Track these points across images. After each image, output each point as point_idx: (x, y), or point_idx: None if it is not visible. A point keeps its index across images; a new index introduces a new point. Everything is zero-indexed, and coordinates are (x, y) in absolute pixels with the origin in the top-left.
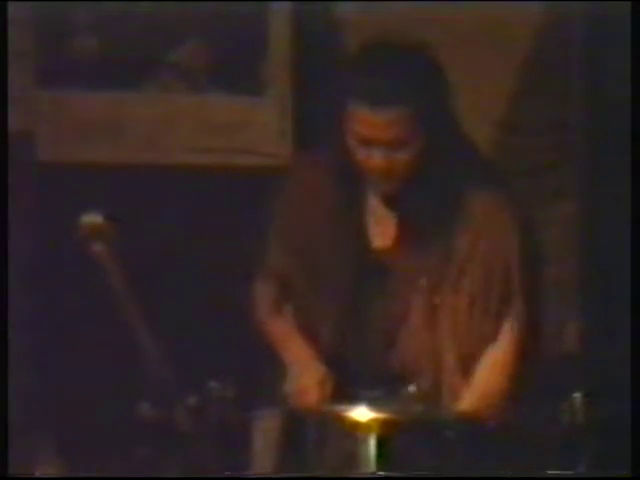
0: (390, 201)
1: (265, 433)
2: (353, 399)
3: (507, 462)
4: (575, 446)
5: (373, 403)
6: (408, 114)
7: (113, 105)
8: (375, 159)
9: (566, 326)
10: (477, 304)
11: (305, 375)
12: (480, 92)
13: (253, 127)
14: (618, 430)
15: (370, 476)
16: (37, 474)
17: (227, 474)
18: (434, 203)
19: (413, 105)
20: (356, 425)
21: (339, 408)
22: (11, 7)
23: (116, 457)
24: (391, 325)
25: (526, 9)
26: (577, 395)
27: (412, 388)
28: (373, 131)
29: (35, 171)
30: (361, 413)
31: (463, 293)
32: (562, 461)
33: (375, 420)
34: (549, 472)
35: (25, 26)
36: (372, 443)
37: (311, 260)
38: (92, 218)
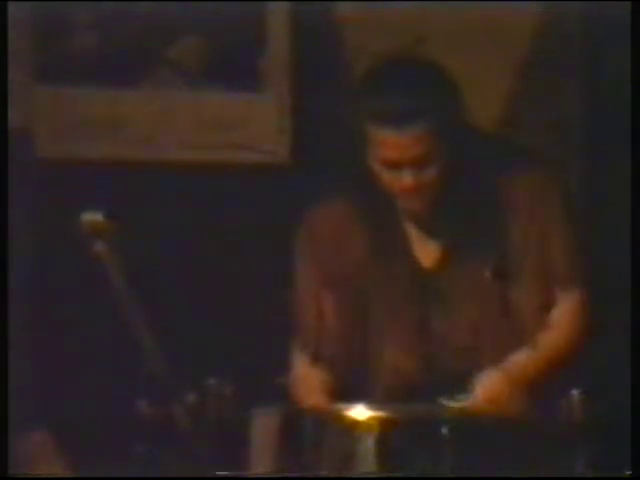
0: (423, 220)
1: (263, 431)
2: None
3: (506, 460)
4: (573, 443)
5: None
6: (430, 130)
7: (111, 102)
8: (404, 180)
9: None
10: (540, 291)
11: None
12: (479, 91)
13: (251, 124)
14: (616, 427)
15: (370, 476)
16: (39, 473)
17: (219, 474)
18: (473, 208)
19: (433, 120)
20: (355, 423)
21: (338, 407)
22: (10, 5)
23: (114, 454)
24: (461, 339)
25: (525, 8)
26: (575, 392)
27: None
28: (399, 152)
29: (34, 168)
30: (360, 412)
31: (527, 281)
32: (560, 458)
33: (374, 419)
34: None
35: (23, 24)
36: (371, 441)
37: (356, 299)
38: (92, 216)
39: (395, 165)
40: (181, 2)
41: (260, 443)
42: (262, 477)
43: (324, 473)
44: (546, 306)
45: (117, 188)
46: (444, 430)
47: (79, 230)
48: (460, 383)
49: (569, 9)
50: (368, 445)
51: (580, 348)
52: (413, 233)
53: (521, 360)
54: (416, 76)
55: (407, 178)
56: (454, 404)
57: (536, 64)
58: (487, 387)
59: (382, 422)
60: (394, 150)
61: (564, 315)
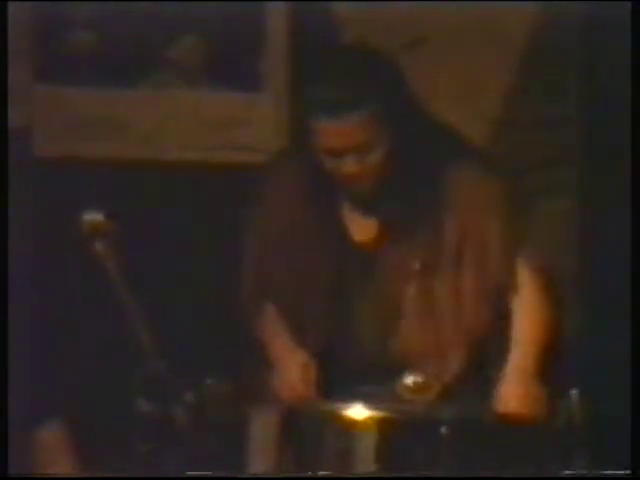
0: (366, 202)
1: (262, 430)
2: (348, 395)
3: (505, 460)
4: (572, 443)
5: (369, 398)
6: (370, 117)
7: (111, 102)
8: (346, 166)
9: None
10: (480, 280)
11: (287, 368)
12: (478, 89)
13: (250, 124)
14: (616, 427)
15: (370, 476)
16: (39, 473)
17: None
18: (413, 193)
19: (373, 108)
20: (353, 423)
21: (336, 406)
22: (10, 5)
23: (113, 453)
24: (386, 315)
25: (525, 7)
26: (574, 392)
27: (410, 379)
28: (339, 140)
29: (33, 168)
30: (358, 411)
31: (462, 272)
32: (559, 458)
33: (372, 418)
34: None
35: (23, 23)
36: (369, 441)
37: (293, 259)
38: (93, 216)
39: (337, 153)
40: (181, 2)
41: (259, 442)
42: (262, 477)
43: (323, 472)
44: (483, 306)
45: (117, 188)
46: (443, 429)
47: (79, 230)
48: (386, 364)
49: (568, 8)
50: (366, 444)
51: (559, 332)
52: (356, 213)
53: (521, 361)
54: (354, 64)
55: (349, 165)
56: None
57: (534, 61)
58: (514, 401)
59: (380, 421)
60: (334, 139)
61: (525, 309)
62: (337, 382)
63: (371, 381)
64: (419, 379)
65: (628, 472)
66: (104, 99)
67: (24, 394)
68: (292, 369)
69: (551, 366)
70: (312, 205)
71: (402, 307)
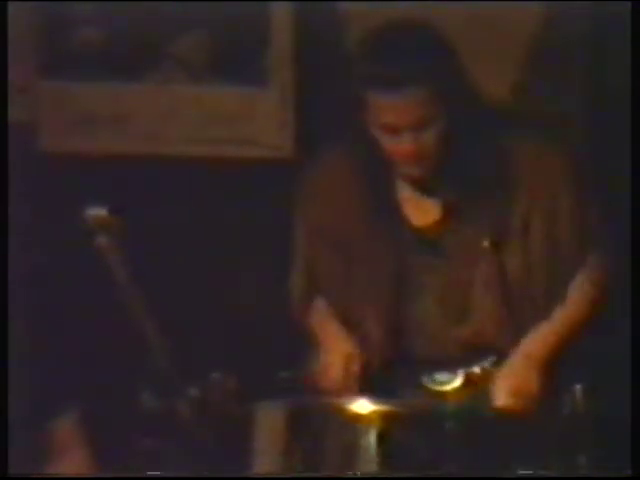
0: (425, 185)
1: (267, 425)
2: (419, 385)
3: (508, 454)
4: (576, 438)
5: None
6: (427, 93)
7: (115, 96)
8: (404, 144)
9: None
10: (549, 256)
11: (332, 352)
12: (485, 83)
13: (255, 118)
14: (619, 422)
15: (370, 476)
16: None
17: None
18: (474, 173)
19: (430, 84)
20: (358, 417)
21: (341, 400)
22: (14, 2)
23: (118, 448)
24: (455, 302)
25: (529, 5)
26: (578, 387)
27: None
28: (397, 116)
29: (38, 163)
30: (362, 405)
31: (531, 248)
32: (563, 453)
33: (376, 412)
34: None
35: (27, 19)
36: (373, 435)
37: (347, 249)
38: (97, 211)
39: (394, 130)
40: None
41: (263, 437)
42: (262, 477)
43: (327, 467)
44: (551, 280)
45: (120, 183)
46: (447, 424)
47: (83, 225)
48: (443, 358)
49: (572, 7)
50: (371, 439)
51: (591, 323)
52: (409, 195)
53: (540, 339)
54: (413, 40)
55: (406, 142)
56: (435, 387)
57: (539, 60)
58: (512, 380)
59: (385, 416)
60: (392, 114)
61: (578, 291)
62: (400, 375)
63: (438, 370)
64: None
65: (629, 473)
66: (109, 95)
67: (27, 391)
68: (336, 359)
69: (558, 358)
70: (369, 190)
71: (472, 291)
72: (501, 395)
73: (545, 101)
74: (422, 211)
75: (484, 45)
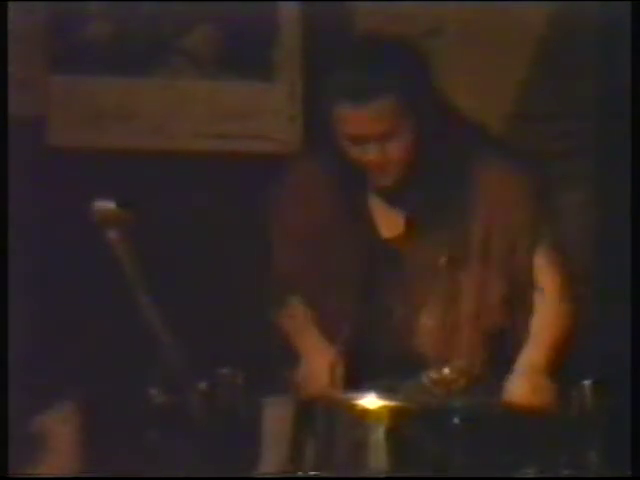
0: (391, 194)
1: (275, 420)
2: (371, 389)
3: (517, 450)
4: (584, 434)
5: (390, 391)
6: (393, 105)
7: (124, 91)
8: (369, 155)
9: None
10: (505, 274)
11: (315, 360)
12: (493, 80)
13: (263, 113)
14: (627, 418)
15: (370, 476)
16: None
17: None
18: (438, 186)
19: (397, 96)
20: (366, 413)
21: (349, 396)
22: None
23: (128, 441)
24: (411, 310)
25: (538, 4)
26: (587, 383)
27: (437, 373)
28: (361, 128)
29: (48, 157)
30: (371, 401)
31: (488, 266)
32: (571, 448)
33: (384, 408)
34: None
35: (37, 12)
36: (381, 431)
37: (319, 256)
38: (105, 205)
39: (359, 140)
40: None
41: (272, 432)
42: (263, 477)
43: (335, 462)
44: (507, 300)
45: (130, 177)
46: (455, 420)
47: (92, 218)
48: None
49: (581, 7)
50: (379, 434)
51: (574, 332)
52: (382, 206)
53: (533, 356)
54: (381, 53)
55: (372, 153)
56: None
57: (549, 52)
58: (519, 394)
59: (393, 411)
60: (356, 126)
61: (543, 305)
62: (366, 378)
63: (394, 376)
64: (447, 372)
65: (629, 474)
66: (119, 89)
67: (33, 383)
68: (319, 365)
69: (564, 358)
70: (340, 200)
71: (427, 304)
72: (514, 395)
73: (556, 97)
74: (389, 222)
75: (495, 41)
